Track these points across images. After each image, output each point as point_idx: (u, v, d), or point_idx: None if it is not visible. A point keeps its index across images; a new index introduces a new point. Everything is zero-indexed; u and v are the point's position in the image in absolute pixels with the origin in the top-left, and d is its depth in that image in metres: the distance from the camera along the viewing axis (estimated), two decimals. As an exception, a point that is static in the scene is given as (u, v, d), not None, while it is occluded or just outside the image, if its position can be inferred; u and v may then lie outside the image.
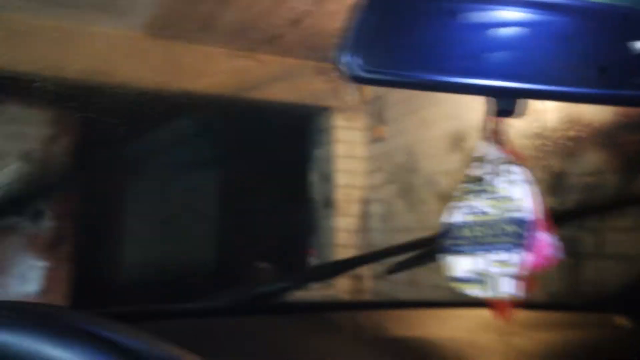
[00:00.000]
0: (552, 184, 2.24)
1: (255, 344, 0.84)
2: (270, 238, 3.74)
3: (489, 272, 0.65)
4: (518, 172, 0.66)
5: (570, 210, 1.68)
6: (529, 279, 0.64)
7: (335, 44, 0.47)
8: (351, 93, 3.61)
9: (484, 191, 0.68)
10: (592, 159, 2.16)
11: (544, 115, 2.33)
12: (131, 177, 5.37)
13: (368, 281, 3.28)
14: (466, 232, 0.67)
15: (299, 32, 3.07)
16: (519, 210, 0.65)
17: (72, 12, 2.84)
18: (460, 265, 0.66)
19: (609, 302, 1.23)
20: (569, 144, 2.26)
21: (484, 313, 0.69)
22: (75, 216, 3.56)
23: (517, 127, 0.73)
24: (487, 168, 0.68)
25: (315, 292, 3.32)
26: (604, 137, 2.11)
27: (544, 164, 2.27)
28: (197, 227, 5.68)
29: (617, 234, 2.01)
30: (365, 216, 3.50)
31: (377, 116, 3.51)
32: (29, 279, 3.36)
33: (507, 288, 0.64)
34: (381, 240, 3.34)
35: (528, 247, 0.64)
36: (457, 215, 0.68)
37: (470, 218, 0.68)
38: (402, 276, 3.10)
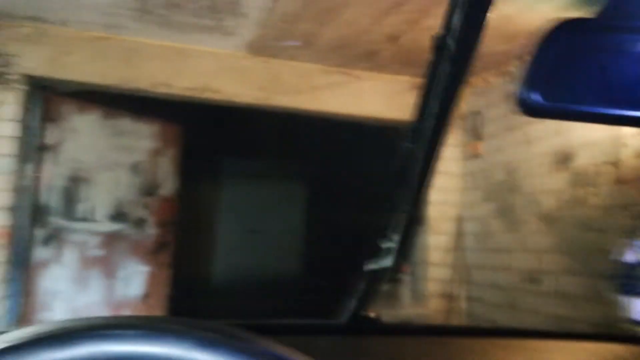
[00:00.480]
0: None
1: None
2: (360, 253, 3.74)
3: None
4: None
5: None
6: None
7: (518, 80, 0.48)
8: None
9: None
10: None
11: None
12: (225, 188, 5.58)
13: (461, 302, 3.20)
14: None
15: (395, 48, 3.07)
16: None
17: (182, 33, 3.01)
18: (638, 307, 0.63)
19: None
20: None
21: (601, 347, 0.65)
22: (175, 224, 3.74)
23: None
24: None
25: (409, 310, 3.29)
26: None
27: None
28: (286, 238, 5.80)
29: None
30: (459, 235, 3.41)
31: (474, 132, 3.43)
32: (132, 282, 3.56)
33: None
34: (476, 259, 3.25)
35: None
36: (631, 254, 0.65)
37: None
38: (498, 298, 2.99)
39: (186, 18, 2.81)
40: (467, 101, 3.52)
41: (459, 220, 3.46)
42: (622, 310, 0.56)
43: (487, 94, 3.38)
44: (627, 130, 2.28)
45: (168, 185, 3.74)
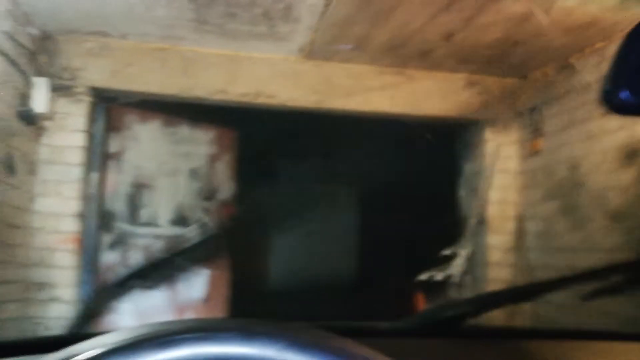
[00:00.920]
0: None
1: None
2: (415, 254, 3.70)
3: None
4: None
5: None
6: None
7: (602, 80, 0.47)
8: (504, 105, 3.48)
9: None
10: None
11: None
12: (280, 191, 5.65)
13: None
14: None
15: (450, 46, 3.03)
16: None
17: (237, 41, 3.08)
18: None
19: None
20: None
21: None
22: (233, 227, 3.82)
23: None
24: None
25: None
26: None
27: None
28: (342, 241, 5.81)
29: None
30: (520, 234, 3.33)
31: (534, 128, 3.34)
32: (194, 285, 3.66)
33: None
34: (539, 259, 3.16)
35: None
36: None
37: None
38: (562, 299, 2.90)
39: (241, 26, 2.87)
40: (526, 96, 3.44)
41: (520, 219, 3.38)
42: None
43: (547, 89, 3.29)
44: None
45: (225, 190, 3.82)
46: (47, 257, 2.99)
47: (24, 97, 2.86)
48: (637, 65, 0.48)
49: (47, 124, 3.07)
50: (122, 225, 3.43)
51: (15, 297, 2.85)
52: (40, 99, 2.93)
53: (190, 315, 3.53)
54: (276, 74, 3.28)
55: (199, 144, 3.71)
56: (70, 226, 3.08)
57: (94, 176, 3.29)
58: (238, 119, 3.79)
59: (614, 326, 2.53)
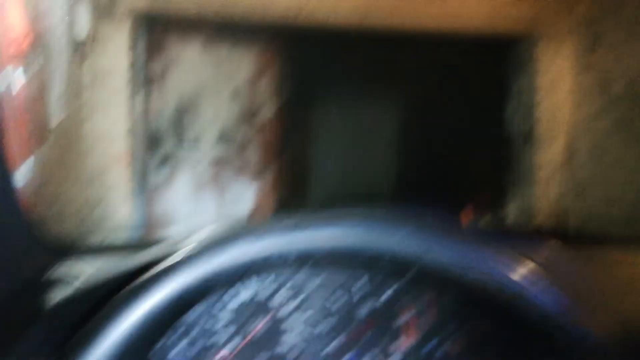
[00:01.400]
0: None
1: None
2: (461, 175, 3.67)
3: None
4: None
5: None
6: None
7: None
8: (558, 18, 3.30)
9: None
10: None
11: None
12: (323, 111, 5.61)
13: (574, 219, 3.10)
14: None
15: (503, -48, 2.85)
16: None
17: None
18: None
19: None
20: None
21: None
22: (276, 145, 3.86)
23: None
24: None
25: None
26: None
27: None
28: (382, 159, 5.80)
29: None
30: (572, 151, 3.26)
31: (590, 42, 3.17)
32: (240, 201, 3.76)
33: None
34: (590, 176, 3.10)
35: None
36: None
37: None
38: (614, 214, 2.87)
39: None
40: (583, 8, 3.25)
41: (572, 135, 3.29)
42: None
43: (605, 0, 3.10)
44: None
45: (267, 110, 3.82)
46: (100, 176, 3.11)
47: (68, 22, 2.85)
48: None
49: (89, 48, 3.08)
50: (168, 146, 3.50)
51: (73, 214, 2.99)
52: (82, 24, 2.93)
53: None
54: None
55: (240, 64, 3.67)
56: (120, 147, 3.16)
57: (139, 98, 3.33)
58: (280, 38, 3.71)
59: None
